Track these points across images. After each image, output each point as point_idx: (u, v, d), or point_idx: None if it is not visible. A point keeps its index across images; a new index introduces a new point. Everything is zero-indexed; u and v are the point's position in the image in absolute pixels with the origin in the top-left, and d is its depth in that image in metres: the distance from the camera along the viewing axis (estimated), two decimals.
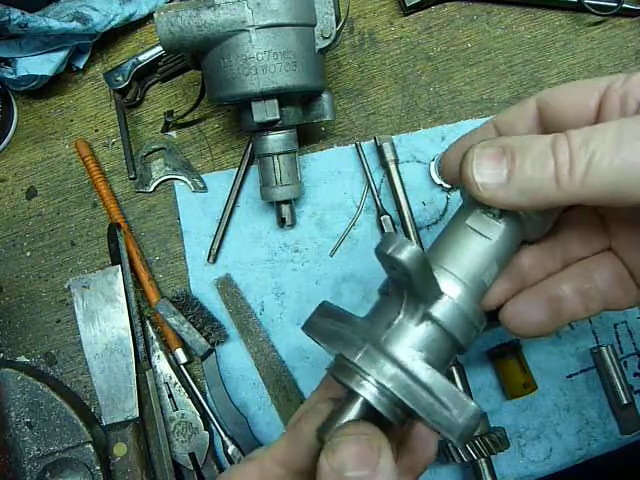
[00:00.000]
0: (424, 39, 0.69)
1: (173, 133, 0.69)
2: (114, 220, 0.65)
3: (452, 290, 0.35)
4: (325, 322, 0.35)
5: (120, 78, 0.65)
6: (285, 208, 0.62)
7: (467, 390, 0.59)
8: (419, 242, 0.63)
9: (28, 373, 0.60)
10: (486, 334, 0.62)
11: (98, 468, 0.56)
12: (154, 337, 0.63)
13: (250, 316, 0.64)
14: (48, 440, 0.58)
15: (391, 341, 0.33)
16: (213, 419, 0.62)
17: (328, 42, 0.55)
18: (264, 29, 0.51)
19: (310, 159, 0.67)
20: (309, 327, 0.36)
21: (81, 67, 0.68)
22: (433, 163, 0.65)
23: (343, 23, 0.55)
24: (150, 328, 0.64)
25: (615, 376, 0.61)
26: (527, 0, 0.68)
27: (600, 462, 0.63)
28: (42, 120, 0.69)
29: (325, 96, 0.60)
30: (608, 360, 0.61)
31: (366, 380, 0.32)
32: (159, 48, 0.66)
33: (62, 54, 0.64)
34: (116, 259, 0.63)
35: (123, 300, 0.61)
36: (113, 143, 0.68)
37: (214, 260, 0.65)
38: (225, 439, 0.61)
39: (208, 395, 0.63)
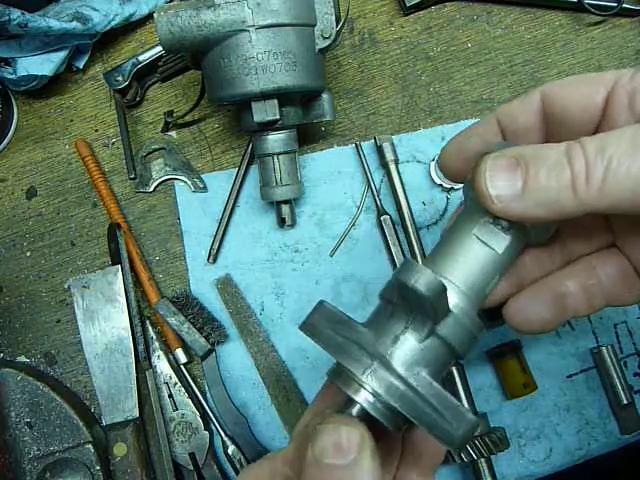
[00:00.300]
0: (424, 39, 0.69)
1: (173, 133, 0.69)
2: (114, 220, 0.65)
3: (457, 305, 0.35)
4: (326, 326, 0.35)
5: (120, 78, 0.65)
6: (285, 208, 0.62)
7: (467, 390, 0.59)
8: (419, 242, 0.63)
9: (28, 373, 0.60)
10: (486, 334, 0.62)
11: (98, 468, 0.56)
12: (154, 337, 0.63)
13: (250, 316, 0.64)
14: (48, 440, 0.58)
15: (397, 357, 0.34)
16: (213, 419, 0.62)
17: (328, 42, 0.55)
18: (264, 29, 0.51)
19: (310, 159, 0.67)
20: (308, 327, 0.36)
21: (81, 67, 0.68)
22: (433, 163, 0.65)
23: (343, 23, 0.55)
24: (150, 328, 0.64)
25: (615, 376, 0.61)
26: (527, 0, 0.68)
27: (600, 462, 0.63)
28: (42, 120, 0.69)
29: (325, 96, 0.60)
30: (608, 360, 0.61)
31: (365, 390, 0.33)
32: (159, 48, 0.66)
33: (62, 54, 0.64)
34: (116, 259, 0.63)
35: (123, 300, 0.61)
36: (113, 143, 0.68)
37: (214, 260, 0.65)
38: (225, 439, 0.61)
39: (208, 395, 0.63)
